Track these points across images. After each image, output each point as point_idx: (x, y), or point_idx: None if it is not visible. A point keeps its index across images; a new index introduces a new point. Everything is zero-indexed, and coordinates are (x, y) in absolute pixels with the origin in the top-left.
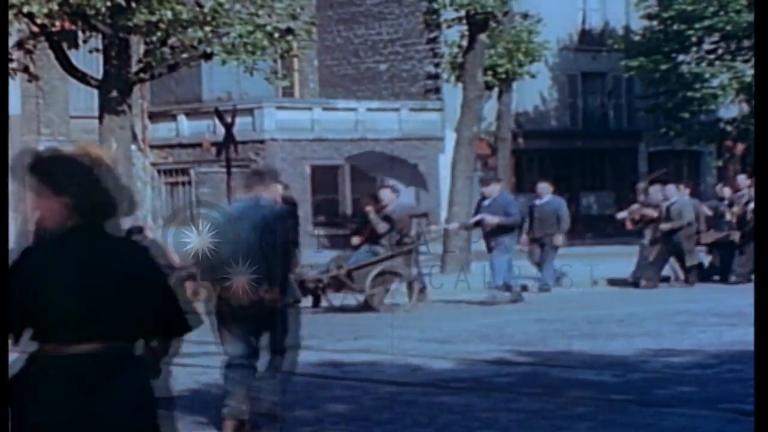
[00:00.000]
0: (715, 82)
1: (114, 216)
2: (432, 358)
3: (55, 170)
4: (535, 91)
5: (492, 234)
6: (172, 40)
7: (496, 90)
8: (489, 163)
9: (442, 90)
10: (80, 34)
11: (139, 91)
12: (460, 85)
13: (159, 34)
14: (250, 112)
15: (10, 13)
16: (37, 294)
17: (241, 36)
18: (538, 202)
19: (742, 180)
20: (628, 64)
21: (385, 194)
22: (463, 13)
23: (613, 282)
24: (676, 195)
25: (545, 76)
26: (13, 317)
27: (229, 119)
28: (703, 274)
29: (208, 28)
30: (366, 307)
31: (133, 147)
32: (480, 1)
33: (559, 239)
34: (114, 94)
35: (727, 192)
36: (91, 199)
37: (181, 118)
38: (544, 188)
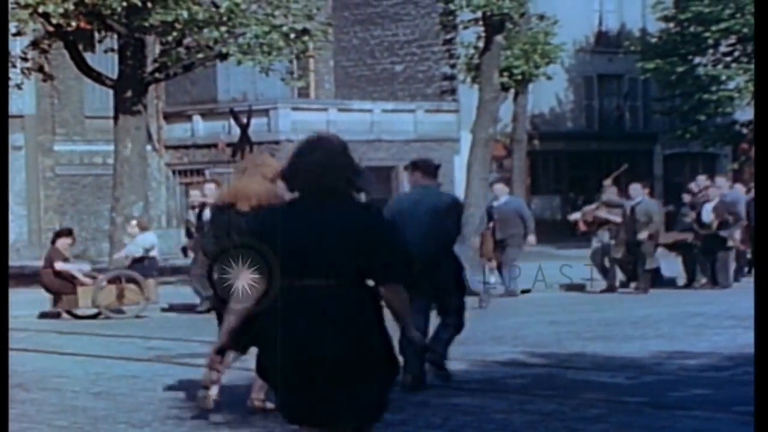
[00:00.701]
0: (731, 85)
1: (335, 190)
2: (445, 360)
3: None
4: (551, 92)
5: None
6: (187, 40)
7: (512, 91)
8: (504, 164)
9: (457, 91)
10: (96, 34)
11: (154, 91)
12: (475, 86)
13: (175, 34)
14: (265, 112)
15: (26, 13)
16: (283, 240)
17: (257, 36)
18: (496, 203)
19: (701, 181)
20: (644, 66)
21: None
22: (479, 14)
23: (569, 287)
24: (641, 194)
25: (561, 77)
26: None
27: (244, 120)
28: (658, 279)
29: (223, 29)
30: None
31: (148, 147)
32: (496, 2)
33: (532, 239)
34: (129, 94)
35: (686, 197)
36: (306, 179)
37: (197, 118)
38: (500, 189)
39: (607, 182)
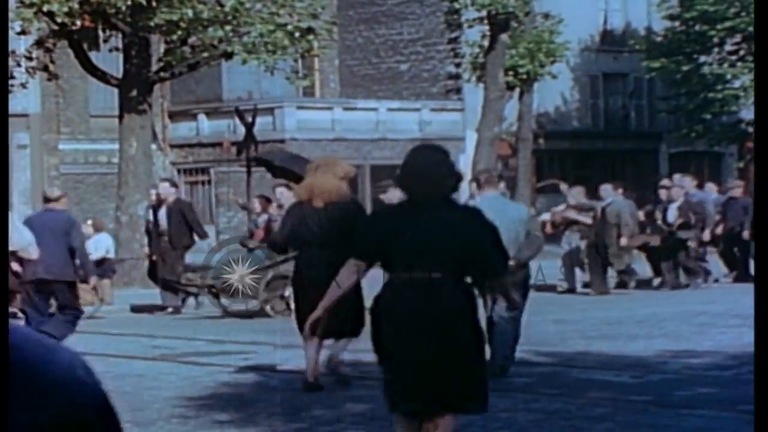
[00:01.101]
0: (736, 83)
1: (440, 194)
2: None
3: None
4: (557, 91)
5: None
6: (192, 39)
7: (517, 90)
8: (510, 163)
9: (463, 90)
10: (100, 33)
11: (159, 90)
12: (481, 85)
13: (179, 33)
14: (270, 111)
15: (30, 12)
16: (390, 237)
17: (261, 35)
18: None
19: (677, 179)
20: (649, 65)
21: (280, 192)
22: (484, 13)
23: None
24: (612, 195)
25: (566, 76)
26: (368, 251)
27: (249, 119)
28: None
29: (228, 28)
30: (262, 313)
31: (153, 146)
32: (501, 1)
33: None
34: (134, 93)
35: (663, 194)
36: (415, 184)
37: (202, 117)
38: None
39: (564, 186)
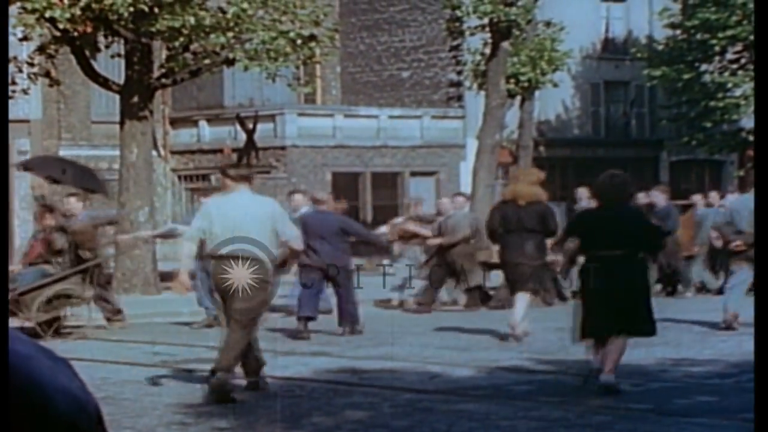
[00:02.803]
0: (737, 92)
1: (623, 200)
2: (451, 366)
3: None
4: (558, 99)
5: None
6: (194, 46)
7: (518, 98)
8: (510, 171)
9: (464, 98)
10: (102, 39)
11: (160, 96)
12: (482, 93)
13: (181, 39)
14: (271, 118)
15: (33, 18)
16: (590, 226)
17: (263, 42)
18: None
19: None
20: (651, 73)
21: (70, 202)
22: (486, 20)
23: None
24: (452, 209)
25: (568, 84)
26: (578, 235)
27: (250, 125)
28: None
29: (230, 34)
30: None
31: (154, 153)
32: (503, 9)
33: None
34: (135, 99)
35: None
36: (604, 194)
37: (203, 124)
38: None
39: (406, 201)
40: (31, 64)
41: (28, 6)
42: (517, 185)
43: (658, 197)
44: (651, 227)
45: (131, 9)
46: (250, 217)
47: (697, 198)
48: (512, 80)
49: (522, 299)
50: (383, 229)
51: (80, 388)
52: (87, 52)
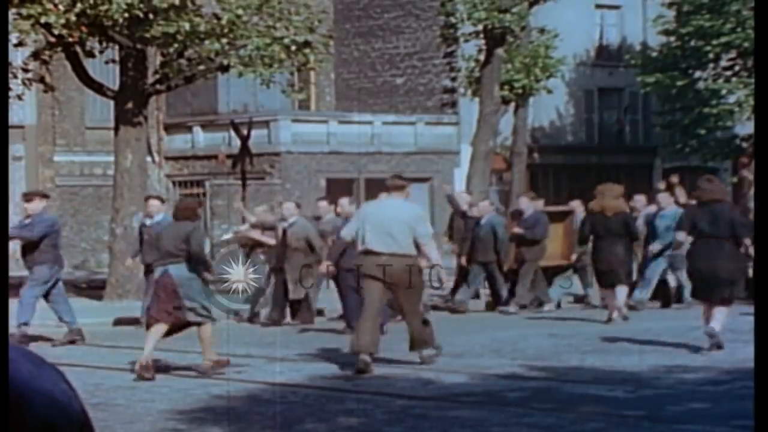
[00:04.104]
0: (731, 99)
1: (718, 201)
2: (444, 372)
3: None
4: (552, 106)
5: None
6: (189, 52)
7: (512, 105)
8: (504, 177)
9: (458, 104)
10: (97, 45)
11: (155, 102)
12: (476, 99)
13: (176, 45)
14: (265, 124)
15: (27, 24)
16: (697, 220)
17: (258, 48)
18: (148, 221)
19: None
20: (644, 80)
21: None
22: (480, 27)
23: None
24: (296, 214)
25: (562, 91)
26: (690, 227)
27: (244, 131)
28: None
29: (225, 40)
30: None
31: (148, 158)
32: (497, 15)
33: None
34: (130, 105)
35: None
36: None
37: (197, 129)
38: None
39: (238, 204)
40: (26, 70)
41: (23, 12)
42: (603, 199)
43: (526, 204)
44: (739, 217)
45: (126, 15)
46: (394, 220)
47: (575, 204)
48: (506, 87)
49: (621, 291)
50: (227, 236)
51: (63, 393)
52: (82, 58)
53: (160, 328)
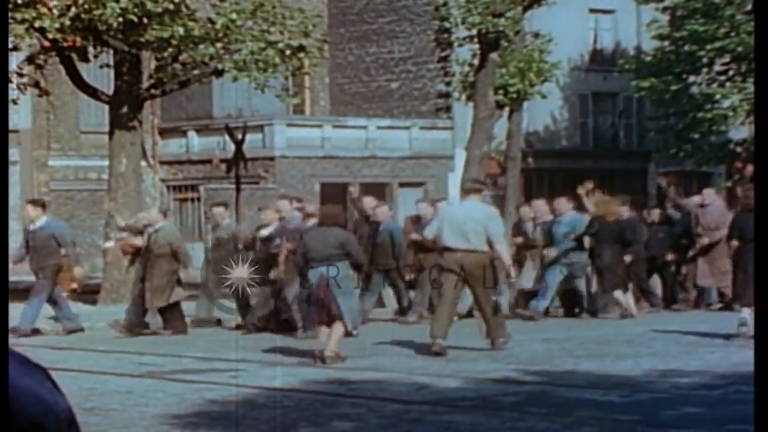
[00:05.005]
0: (725, 103)
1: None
2: (439, 377)
3: None
4: (546, 110)
5: None
6: (183, 57)
7: (506, 109)
8: (498, 182)
9: (452, 109)
10: (91, 49)
11: (149, 106)
12: (470, 104)
13: (171, 50)
14: (260, 129)
15: (22, 28)
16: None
17: (252, 53)
18: (32, 227)
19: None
20: (639, 85)
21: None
22: (474, 32)
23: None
24: (162, 221)
25: (556, 95)
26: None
27: (239, 136)
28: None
29: (219, 45)
30: None
31: (143, 163)
32: (492, 20)
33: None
34: (125, 109)
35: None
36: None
37: (192, 134)
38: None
39: (108, 206)
40: (21, 75)
41: (18, 16)
42: (607, 207)
43: (425, 209)
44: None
45: (120, 19)
46: (469, 219)
47: (525, 210)
48: (501, 91)
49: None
50: (109, 244)
51: (50, 391)
52: (76, 62)
53: (339, 328)
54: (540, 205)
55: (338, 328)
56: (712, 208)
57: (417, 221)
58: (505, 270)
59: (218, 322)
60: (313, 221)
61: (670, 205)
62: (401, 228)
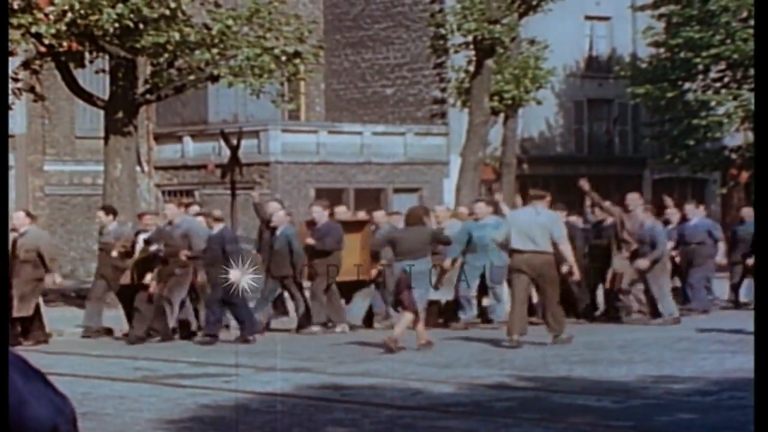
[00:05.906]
0: (720, 110)
1: None
2: (432, 382)
3: None
4: (541, 117)
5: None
6: (179, 62)
7: (502, 115)
8: (493, 188)
9: (448, 115)
10: (87, 54)
11: (145, 112)
12: (466, 110)
13: (166, 55)
14: (255, 134)
15: (18, 33)
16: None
17: (248, 59)
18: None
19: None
20: (634, 91)
21: None
22: (470, 38)
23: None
24: (27, 225)
25: (551, 102)
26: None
27: (234, 141)
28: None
29: (215, 51)
30: None
31: (138, 168)
32: (487, 26)
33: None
34: (120, 114)
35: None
36: None
37: (187, 139)
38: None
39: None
40: (16, 80)
41: (14, 21)
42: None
43: (319, 213)
44: None
45: (116, 25)
46: (534, 223)
47: (378, 215)
48: (496, 98)
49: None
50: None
51: (57, 393)
52: (72, 68)
53: (409, 316)
54: (441, 209)
55: (407, 316)
56: (634, 214)
57: (312, 225)
58: (568, 269)
59: (108, 331)
60: (220, 225)
61: (590, 209)
62: (296, 233)
